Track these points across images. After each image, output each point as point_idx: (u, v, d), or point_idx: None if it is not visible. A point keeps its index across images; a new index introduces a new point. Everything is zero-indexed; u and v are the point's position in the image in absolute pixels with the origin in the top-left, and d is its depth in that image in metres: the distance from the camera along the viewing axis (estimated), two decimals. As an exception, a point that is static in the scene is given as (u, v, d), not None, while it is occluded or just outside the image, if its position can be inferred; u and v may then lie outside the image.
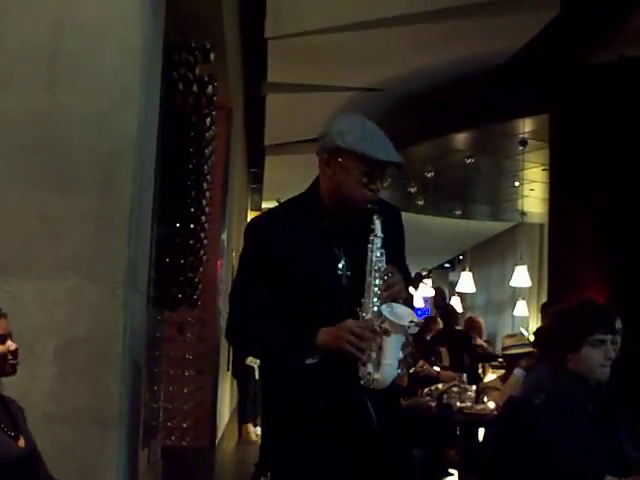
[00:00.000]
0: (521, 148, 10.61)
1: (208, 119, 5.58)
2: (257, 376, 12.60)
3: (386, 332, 2.80)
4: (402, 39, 9.51)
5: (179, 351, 6.59)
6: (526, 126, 10.26)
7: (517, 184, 12.69)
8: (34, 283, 3.49)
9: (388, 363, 2.80)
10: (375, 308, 2.86)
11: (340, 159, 2.97)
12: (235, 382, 12.30)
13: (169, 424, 6.27)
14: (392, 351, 2.81)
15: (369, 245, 2.93)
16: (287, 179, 15.97)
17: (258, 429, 12.25)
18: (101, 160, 3.57)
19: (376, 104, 11.61)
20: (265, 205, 17.85)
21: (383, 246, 2.94)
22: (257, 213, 17.88)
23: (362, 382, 2.81)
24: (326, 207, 3.07)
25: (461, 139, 11.08)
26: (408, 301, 3.01)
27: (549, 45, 9.25)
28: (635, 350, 4.65)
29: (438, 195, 13.49)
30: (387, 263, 2.95)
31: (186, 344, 6.75)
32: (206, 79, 5.45)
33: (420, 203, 13.83)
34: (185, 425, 6.63)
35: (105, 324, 3.46)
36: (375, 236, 2.93)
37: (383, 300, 2.88)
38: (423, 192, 13.06)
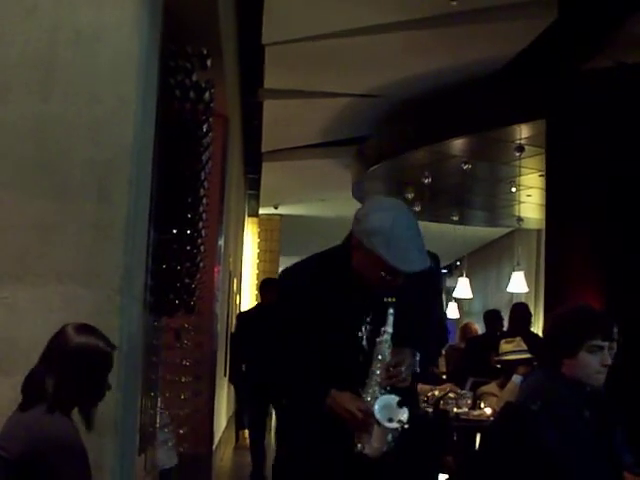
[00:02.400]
0: (518, 154, 10.61)
1: (205, 125, 5.58)
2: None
3: (377, 422, 2.98)
4: (399, 45, 9.53)
5: (176, 357, 6.58)
6: (523, 132, 10.26)
7: (514, 190, 12.68)
8: (30, 291, 3.49)
9: (376, 447, 3.01)
10: (374, 394, 3.05)
11: (364, 252, 3.05)
12: (232, 388, 12.29)
13: (166, 430, 6.25)
14: (381, 437, 3.01)
15: (378, 339, 3.06)
16: (284, 185, 16.01)
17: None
18: (97, 168, 3.58)
19: (373, 110, 11.63)
20: (262, 211, 17.86)
21: (403, 322, 3.06)
22: (254, 219, 17.92)
23: (355, 450, 3.05)
24: (354, 274, 3.14)
25: (458, 145, 11.08)
26: (428, 375, 3.22)
27: (546, 51, 9.27)
28: (631, 356, 4.65)
29: (435, 201, 13.49)
30: (419, 317, 3.11)
31: (183, 350, 6.73)
32: (203, 85, 5.45)
33: (417, 209, 13.82)
34: (182, 431, 6.61)
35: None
36: (385, 332, 3.05)
37: (384, 387, 3.05)
38: (420, 198, 13.06)
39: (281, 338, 3.20)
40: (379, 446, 3.00)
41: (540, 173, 10.99)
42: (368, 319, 3.10)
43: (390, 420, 2.98)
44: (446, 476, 6.23)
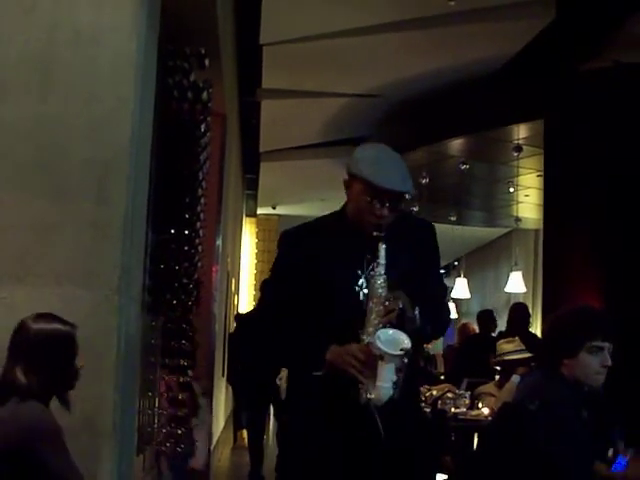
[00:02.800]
0: (516, 154, 10.63)
1: (203, 125, 5.58)
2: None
3: (381, 357, 2.96)
4: (396, 45, 9.53)
5: (174, 357, 6.56)
6: (521, 132, 10.28)
7: (512, 190, 12.70)
8: (28, 290, 3.49)
9: (382, 385, 2.97)
10: (374, 331, 3.03)
11: (353, 184, 3.21)
12: (230, 388, 12.29)
13: (164, 430, 6.24)
14: (386, 374, 2.97)
15: (371, 272, 3.11)
16: (283, 185, 16.02)
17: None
18: (96, 168, 3.58)
19: (371, 110, 11.63)
20: (260, 211, 17.86)
21: (396, 265, 3.11)
22: (252, 219, 17.92)
23: (360, 400, 3.00)
24: (351, 225, 3.25)
25: (456, 145, 11.10)
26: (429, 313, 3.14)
27: (544, 51, 9.27)
28: (630, 356, 4.66)
29: (433, 201, 13.49)
30: (417, 277, 3.16)
31: (181, 350, 6.72)
32: (201, 85, 5.45)
33: (414, 209, 13.83)
34: (180, 431, 6.59)
35: (99, 331, 3.46)
36: (377, 264, 3.09)
37: (382, 325, 3.03)
38: (418, 198, 13.06)
39: (278, 300, 3.28)
40: (385, 385, 2.96)
41: (538, 173, 11.02)
42: (365, 265, 3.18)
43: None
44: (445, 476, 6.23)
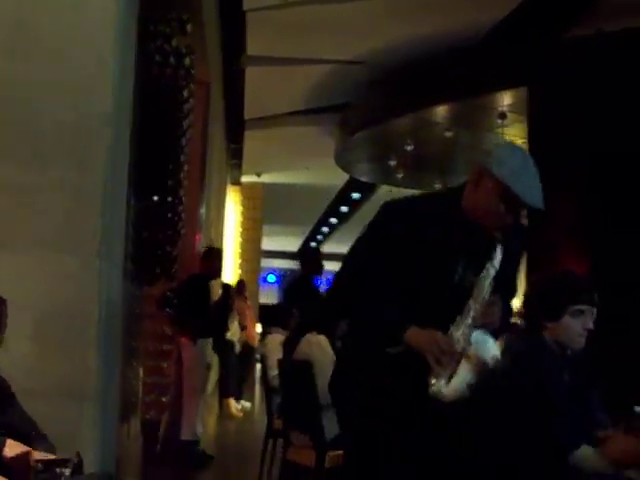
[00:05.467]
0: (500, 121, 10.61)
1: (185, 91, 5.54)
2: (237, 350, 12.65)
3: (468, 357, 2.89)
4: (382, 11, 9.48)
5: (157, 326, 6.57)
6: (505, 99, 10.27)
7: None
8: (8, 257, 3.46)
9: (458, 383, 2.86)
10: (467, 330, 2.95)
11: (489, 183, 3.04)
12: (216, 357, 12.29)
13: (147, 398, 6.26)
14: (466, 374, 2.88)
15: (483, 272, 3.02)
16: (267, 153, 15.97)
17: (240, 403, 12.28)
18: (75, 133, 3.54)
19: (356, 77, 11.59)
20: (245, 179, 17.80)
21: (500, 270, 3.04)
22: (237, 187, 17.86)
23: (429, 390, 2.87)
24: (464, 214, 3.12)
25: (440, 112, 11.08)
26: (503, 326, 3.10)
27: (527, 19, 9.25)
28: (612, 322, 4.68)
29: (417, 168, 13.50)
30: (505, 279, 3.08)
31: (164, 318, 6.73)
32: (183, 51, 5.41)
33: (399, 176, 13.83)
34: (164, 399, 6.62)
35: (81, 296, 3.44)
36: (492, 266, 3.03)
37: (476, 326, 2.96)
38: (402, 165, 13.06)
39: (376, 270, 3.14)
40: (460, 384, 2.86)
41: (522, 140, 10.99)
42: (467, 258, 3.09)
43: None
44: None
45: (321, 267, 8.12)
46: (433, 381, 2.86)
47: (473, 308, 2.95)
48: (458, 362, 2.88)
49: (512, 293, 3.27)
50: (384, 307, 3.06)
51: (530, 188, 3.01)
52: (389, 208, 3.24)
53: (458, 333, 2.92)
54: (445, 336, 2.92)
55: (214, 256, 7.99)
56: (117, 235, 3.90)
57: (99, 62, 3.61)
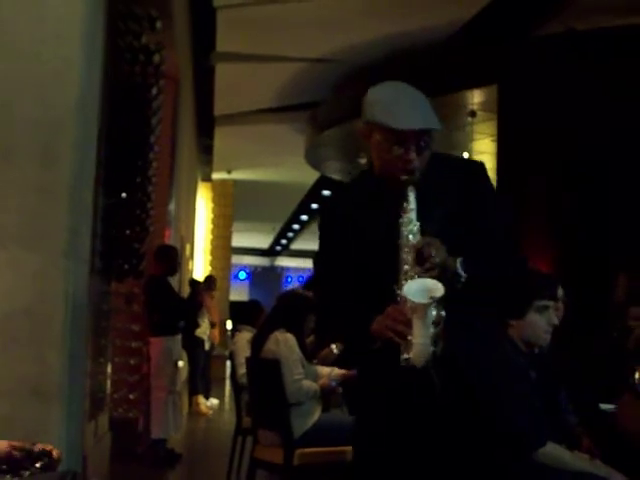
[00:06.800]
0: (470, 119, 10.65)
1: (154, 88, 5.52)
2: (207, 347, 12.62)
3: (414, 311, 2.68)
4: (353, 9, 9.49)
5: (126, 322, 6.54)
6: (475, 97, 10.30)
7: (466, 155, 12.73)
8: (-27, 254, 3.44)
9: (418, 342, 2.67)
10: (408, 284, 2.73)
11: (371, 133, 2.88)
12: (185, 354, 12.27)
13: (115, 396, 6.23)
14: (421, 330, 2.68)
15: (400, 220, 2.81)
16: (238, 150, 15.94)
17: (209, 401, 12.27)
18: (41, 130, 3.52)
19: (326, 75, 11.59)
20: (215, 176, 17.77)
21: (431, 214, 2.83)
22: (207, 184, 17.84)
23: (400, 362, 2.71)
24: (376, 178, 2.96)
25: (411, 110, 11.08)
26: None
27: (498, 17, 9.28)
28: (577, 319, 4.70)
29: (388, 165, 13.49)
30: (463, 223, 2.86)
31: (133, 316, 6.70)
32: (152, 48, 5.38)
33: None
34: (132, 397, 6.59)
35: (46, 294, 3.42)
36: (405, 211, 2.81)
37: (419, 275, 2.71)
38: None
39: (327, 272, 3.07)
40: (420, 342, 2.65)
41: (492, 138, 11.06)
42: (388, 216, 2.85)
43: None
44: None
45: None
46: (404, 355, 2.69)
47: (405, 260, 2.76)
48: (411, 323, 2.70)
49: (480, 231, 2.91)
50: (346, 317, 2.99)
51: (404, 112, 2.80)
52: (321, 205, 3.21)
53: (403, 291, 2.72)
54: (395, 306, 2.75)
55: (168, 255, 7.94)
56: (84, 233, 3.87)
57: (65, 58, 3.59)
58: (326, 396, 5.64)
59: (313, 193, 19.41)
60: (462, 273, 2.76)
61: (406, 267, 2.75)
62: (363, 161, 12.79)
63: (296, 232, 27.36)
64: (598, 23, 8.96)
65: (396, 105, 2.83)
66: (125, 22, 5.13)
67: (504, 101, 9.71)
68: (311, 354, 5.88)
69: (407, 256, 2.76)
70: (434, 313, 2.67)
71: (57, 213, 3.49)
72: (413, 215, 2.80)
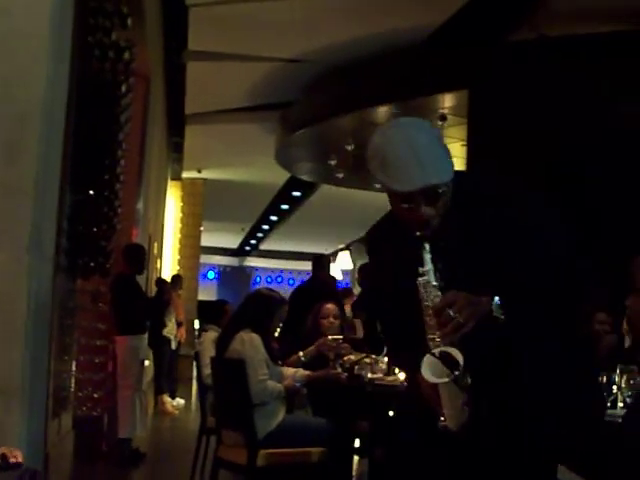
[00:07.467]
0: (440, 123, 10.66)
1: (124, 86, 5.49)
2: (173, 346, 12.59)
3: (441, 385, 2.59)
4: (326, 10, 9.49)
5: (91, 321, 6.50)
6: (446, 101, 10.32)
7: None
8: None
9: (449, 413, 2.61)
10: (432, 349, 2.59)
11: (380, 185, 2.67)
12: (152, 353, 12.23)
13: (80, 394, 6.19)
14: (448, 400, 2.60)
15: (418, 280, 2.61)
16: (208, 149, 15.90)
17: (175, 400, 12.24)
18: (5, 125, 3.50)
19: (298, 75, 11.58)
20: (185, 175, 17.71)
21: (460, 267, 2.63)
22: (177, 183, 17.79)
23: (439, 426, 2.64)
24: (402, 228, 2.71)
25: (382, 113, 11.10)
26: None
27: (470, 21, 9.31)
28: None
29: (358, 168, 13.51)
30: (484, 274, 2.61)
31: (99, 314, 6.66)
32: (123, 45, 5.36)
33: (340, 175, 13.85)
34: (97, 395, 6.55)
35: (8, 291, 3.40)
36: (423, 272, 2.60)
37: (445, 342, 2.55)
38: (343, 165, 13.08)
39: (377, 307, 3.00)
40: (453, 413, 2.57)
41: (462, 143, 11.08)
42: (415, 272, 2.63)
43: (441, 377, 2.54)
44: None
45: None
46: (440, 419, 2.61)
47: (427, 323, 2.57)
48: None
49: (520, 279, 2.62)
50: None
51: (398, 172, 2.54)
52: (368, 231, 2.97)
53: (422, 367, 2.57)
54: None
55: (136, 254, 7.93)
56: (48, 229, 3.85)
57: (31, 53, 3.56)
58: (290, 397, 5.64)
59: (283, 194, 19.39)
60: (500, 316, 2.56)
61: (430, 333, 2.58)
62: (334, 162, 12.79)
63: (266, 232, 27.32)
64: (569, 29, 9.01)
65: (393, 162, 2.54)
66: (95, 18, 5.09)
67: (475, 106, 9.73)
68: (280, 358, 5.88)
69: (430, 320, 2.57)
70: (457, 385, 2.56)
71: (21, 209, 3.46)
72: (431, 276, 2.59)
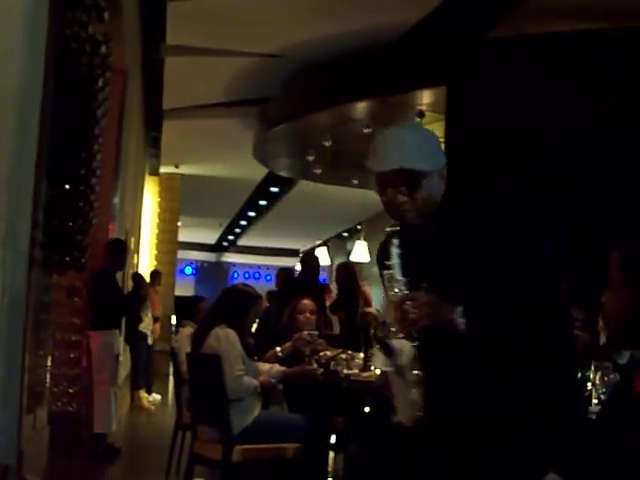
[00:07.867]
0: (418, 120, 10.68)
1: (101, 80, 5.46)
2: (150, 342, 12.57)
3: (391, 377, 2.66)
4: (305, 6, 9.48)
5: (67, 316, 6.47)
6: (424, 98, 10.34)
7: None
8: None
9: (400, 407, 2.66)
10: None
11: None
12: (128, 349, 12.20)
13: (55, 390, 6.16)
14: (398, 394, 2.66)
15: (383, 273, 2.71)
16: (186, 144, 15.87)
17: (151, 396, 12.22)
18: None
19: (276, 71, 11.57)
20: (163, 170, 17.66)
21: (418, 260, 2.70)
22: (155, 178, 17.73)
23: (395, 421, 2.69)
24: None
25: (359, 109, 11.11)
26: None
27: (449, 18, 9.33)
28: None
29: (336, 164, 13.52)
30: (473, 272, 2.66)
31: (74, 309, 6.63)
32: (100, 39, 5.32)
33: (317, 172, 13.85)
34: (72, 390, 6.53)
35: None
36: (389, 267, 2.70)
37: (404, 335, 2.61)
38: (321, 161, 13.08)
39: None
40: (401, 406, 2.61)
41: (440, 139, 11.11)
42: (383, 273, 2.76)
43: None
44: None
45: None
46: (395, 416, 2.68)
47: (387, 314, 2.75)
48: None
49: (489, 288, 2.66)
50: None
51: (383, 154, 2.73)
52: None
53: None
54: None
55: (119, 249, 7.93)
56: (22, 223, 3.82)
57: (5, 46, 3.54)
58: (266, 393, 5.64)
59: (261, 189, 19.38)
60: (460, 322, 2.58)
61: (390, 325, 2.66)
62: (311, 158, 12.79)
63: (243, 228, 27.30)
64: (548, 27, 9.03)
65: (379, 148, 2.75)
66: (72, 11, 5.06)
67: (453, 102, 9.75)
68: (256, 354, 5.88)
69: (390, 312, 2.65)
70: (406, 376, 2.59)
71: (-6, 203, 3.44)
72: (396, 270, 2.67)
